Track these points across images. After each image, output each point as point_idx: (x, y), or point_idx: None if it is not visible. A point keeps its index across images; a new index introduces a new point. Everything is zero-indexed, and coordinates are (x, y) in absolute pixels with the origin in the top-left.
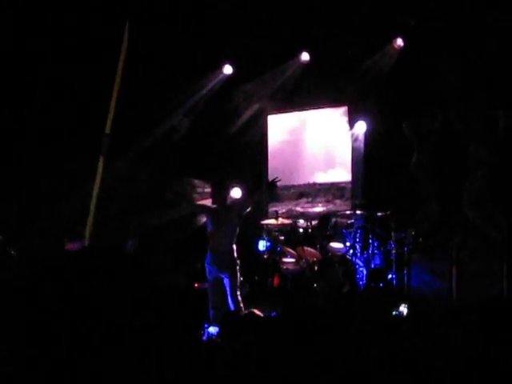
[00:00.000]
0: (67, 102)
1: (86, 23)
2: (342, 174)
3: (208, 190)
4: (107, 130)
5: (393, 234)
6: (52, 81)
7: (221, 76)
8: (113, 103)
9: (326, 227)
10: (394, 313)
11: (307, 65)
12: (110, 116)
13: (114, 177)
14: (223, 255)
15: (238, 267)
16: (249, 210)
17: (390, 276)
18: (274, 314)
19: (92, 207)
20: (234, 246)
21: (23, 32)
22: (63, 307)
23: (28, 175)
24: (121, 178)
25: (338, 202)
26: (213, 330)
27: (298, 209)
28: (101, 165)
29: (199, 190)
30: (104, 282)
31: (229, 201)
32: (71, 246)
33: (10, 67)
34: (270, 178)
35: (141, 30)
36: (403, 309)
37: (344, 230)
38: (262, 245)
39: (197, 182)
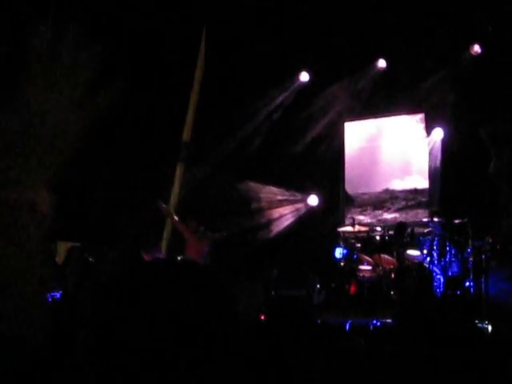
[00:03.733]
0: (144, 111)
1: (164, 31)
2: (419, 181)
3: (284, 197)
4: (185, 138)
5: (470, 241)
6: (129, 88)
7: (298, 83)
8: (191, 111)
9: (402, 234)
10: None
11: (384, 71)
12: (188, 124)
13: (192, 184)
14: None
15: None
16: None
17: (467, 284)
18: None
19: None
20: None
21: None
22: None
23: (106, 184)
24: (197, 186)
25: (414, 209)
26: None
27: (375, 216)
28: (179, 172)
29: (274, 196)
30: (183, 293)
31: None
32: (148, 257)
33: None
34: (347, 184)
35: (218, 37)
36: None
37: (421, 238)
38: (339, 252)
39: (273, 189)
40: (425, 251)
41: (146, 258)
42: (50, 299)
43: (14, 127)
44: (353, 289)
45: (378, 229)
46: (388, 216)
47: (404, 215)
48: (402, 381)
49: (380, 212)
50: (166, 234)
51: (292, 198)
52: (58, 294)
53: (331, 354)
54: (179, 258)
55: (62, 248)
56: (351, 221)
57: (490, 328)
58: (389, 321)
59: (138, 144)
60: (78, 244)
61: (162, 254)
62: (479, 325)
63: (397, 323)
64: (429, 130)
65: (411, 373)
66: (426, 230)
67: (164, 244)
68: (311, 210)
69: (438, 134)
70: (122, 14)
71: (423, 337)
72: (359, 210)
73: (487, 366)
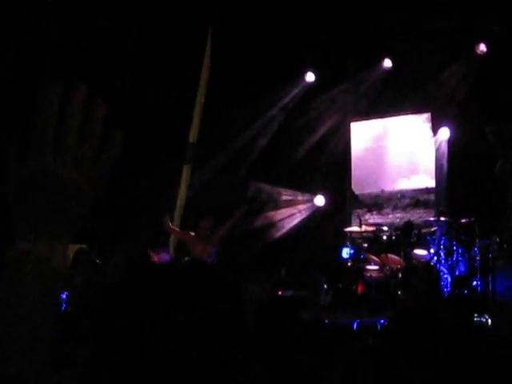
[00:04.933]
0: (150, 112)
1: (170, 31)
2: (425, 180)
3: (291, 197)
4: (191, 139)
5: (477, 240)
6: (134, 91)
7: (304, 83)
8: (197, 112)
9: (409, 234)
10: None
11: (390, 71)
12: (195, 125)
13: (198, 185)
14: None
15: None
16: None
17: (474, 283)
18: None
19: (177, 216)
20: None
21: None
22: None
23: (112, 185)
24: (204, 187)
25: (421, 208)
26: None
27: (382, 216)
28: (185, 173)
29: (280, 197)
30: (189, 296)
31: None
32: (156, 257)
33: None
34: (354, 185)
35: (224, 37)
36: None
37: (428, 237)
38: (346, 252)
39: (279, 189)
40: (432, 251)
41: (154, 257)
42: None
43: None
44: (360, 289)
45: (385, 228)
46: (395, 216)
47: (411, 215)
48: (409, 380)
49: (387, 212)
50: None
51: (299, 198)
52: (64, 295)
53: (339, 353)
54: (186, 259)
55: (70, 251)
56: (358, 221)
57: (489, 322)
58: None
59: (145, 145)
60: (85, 246)
61: (170, 253)
62: (478, 319)
63: (400, 322)
64: (435, 129)
65: (418, 371)
66: (432, 230)
67: (171, 244)
68: (318, 211)
69: (445, 133)
70: (128, 15)
71: (428, 336)
72: (366, 209)
73: (491, 364)
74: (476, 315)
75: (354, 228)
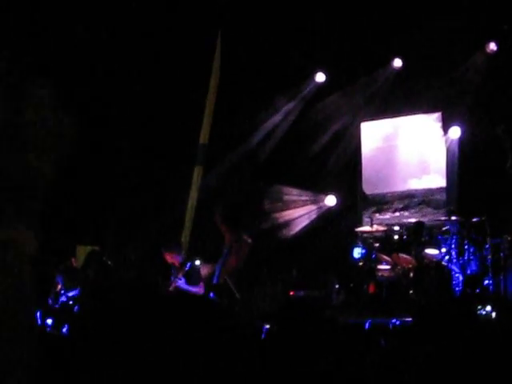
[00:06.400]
0: (161, 114)
1: (180, 35)
2: (436, 180)
3: (302, 198)
4: (202, 140)
5: (488, 239)
6: (145, 92)
7: (314, 84)
8: (208, 113)
9: (420, 233)
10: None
11: (400, 71)
12: (206, 126)
13: (209, 186)
14: None
15: None
16: None
17: (486, 282)
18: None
19: (188, 217)
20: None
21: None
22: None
23: (124, 187)
24: (215, 188)
25: (432, 207)
26: None
27: (393, 215)
28: (196, 175)
29: (291, 197)
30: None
31: None
32: (168, 256)
33: (106, 78)
34: (364, 184)
35: (233, 39)
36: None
37: (439, 236)
38: (357, 252)
39: (290, 189)
40: (443, 250)
41: (167, 257)
42: (66, 299)
43: None
44: (371, 288)
45: (396, 228)
46: (406, 215)
47: (422, 214)
48: (423, 379)
49: (398, 211)
50: (184, 236)
51: (310, 198)
52: (76, 292)
53: (351, 353)
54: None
55: (81, 252)
56: (369, 220)
57: (493, 315)
58: (408, 319)
59: (156, 147)
60: (97, 248)
61: (183, 252)
62: (481, 311)
63: (416, 322)
64: (446, 128)
65: (432, 371)
66: (444, 229)
67: (184, 245)
68: (329, 211)
69: (455, 132)
70: (138, 19)
71: (442, 335)
72: (377, 209)
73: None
74: (479, 307)
75: (366, 228)
